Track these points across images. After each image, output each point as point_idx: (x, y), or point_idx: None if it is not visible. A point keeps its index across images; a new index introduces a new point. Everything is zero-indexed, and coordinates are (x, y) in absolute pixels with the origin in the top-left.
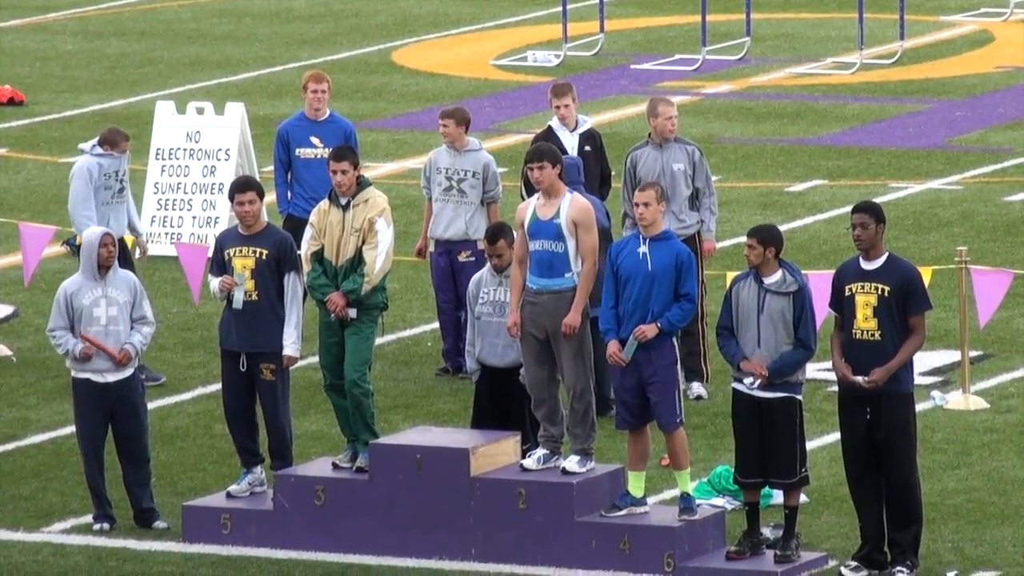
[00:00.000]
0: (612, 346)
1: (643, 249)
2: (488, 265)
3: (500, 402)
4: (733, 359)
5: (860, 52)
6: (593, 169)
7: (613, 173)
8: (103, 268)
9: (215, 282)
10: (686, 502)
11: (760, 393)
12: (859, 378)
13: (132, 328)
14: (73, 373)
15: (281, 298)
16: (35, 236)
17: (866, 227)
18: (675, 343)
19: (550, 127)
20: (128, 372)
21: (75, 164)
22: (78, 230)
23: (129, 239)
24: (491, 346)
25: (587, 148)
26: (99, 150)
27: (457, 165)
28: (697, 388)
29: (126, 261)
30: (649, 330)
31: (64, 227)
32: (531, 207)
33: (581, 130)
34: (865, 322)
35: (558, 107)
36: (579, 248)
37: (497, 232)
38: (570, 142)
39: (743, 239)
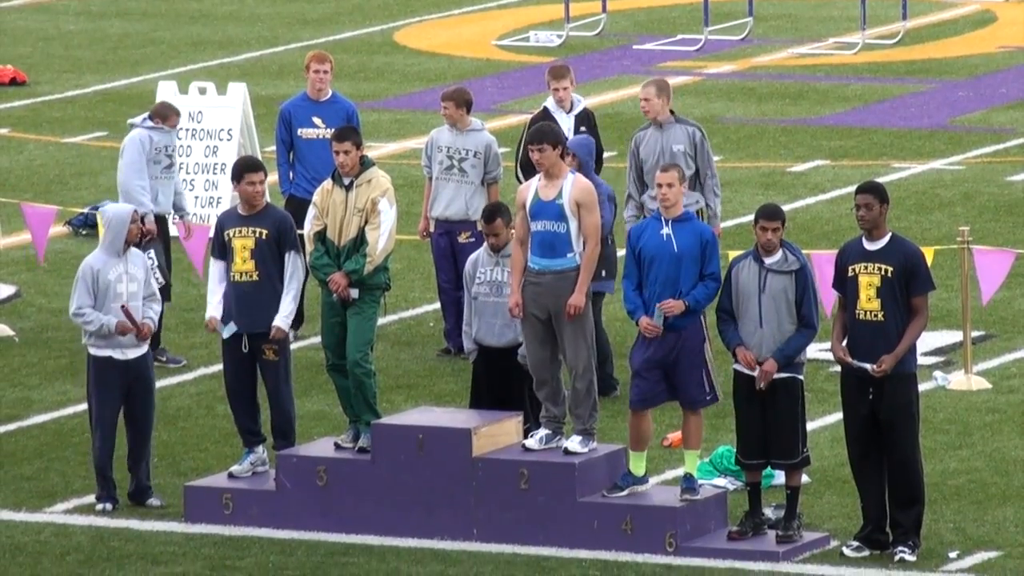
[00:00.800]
0: (644, 320)
1: (666, 231)
2: (485, 244)
3: (498, 382)
4: (730, 344)
5: (862, 32)
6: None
7: (606, 153)
8: (128, 244)
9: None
10: (688, 482)
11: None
12: (867, 366)
13: (143, 304)
14: (93, 351)
15: (282, 278)
16: (39, 216)
17: (870, 208)
18: (703, 322)
19: (546, 108)
20: (144, 348)
21: (126, 137)
22: (132, 200)
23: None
24: (488, 326)
25: (582, 129)
26: (150, 123)
27: (459, 144)
28: None
29: (166, 238)
30: (676, 306)
31: (67, 207)
32: (533, 187)
33: (576, 111)
34: (868, 302)
35: (556, 89)
36: (582, 228)
37: (494, 212)
38: (566, 123)
39: (745, 219)
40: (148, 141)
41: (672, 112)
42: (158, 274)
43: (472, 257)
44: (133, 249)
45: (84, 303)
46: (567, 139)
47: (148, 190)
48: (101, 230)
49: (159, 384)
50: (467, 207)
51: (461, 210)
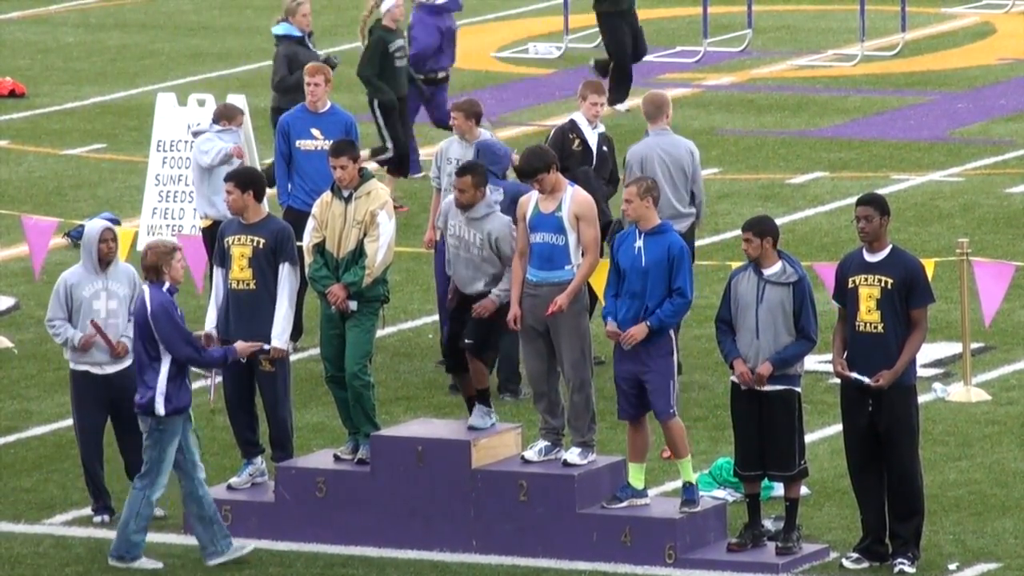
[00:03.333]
0: (611, 325)
1: (638, 243)
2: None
3: (471, 324)
4: (728, 356)
5: (861, 44)
6: (604, 171)
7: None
8: (103, 262)
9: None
10: (689, 492)
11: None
12: (865, 379)
13: (130, 320)
14: (72, 365)
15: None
16: (38, 229)
17: (870, 220)
18: (672, 334)
19: (574, 121)
20: (126, 363)
21: (193, 148)
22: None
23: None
24: (459, 276)
25: (604, 149)
26: (217, 127)
27: (469, 155)
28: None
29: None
30: (638, 332)
31: (66, 219)
32: (533, 200)
33: (600, 129)
34: (868, 314)
35: (595, 104)
36: (581, 241)
37: (466, 168)
38: (592, 138)
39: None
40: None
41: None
42: None
43: (445, 204)
44: (121, 265)
45: (55, 315)
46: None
47: (219, 195)
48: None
49: None
50: None
51: None
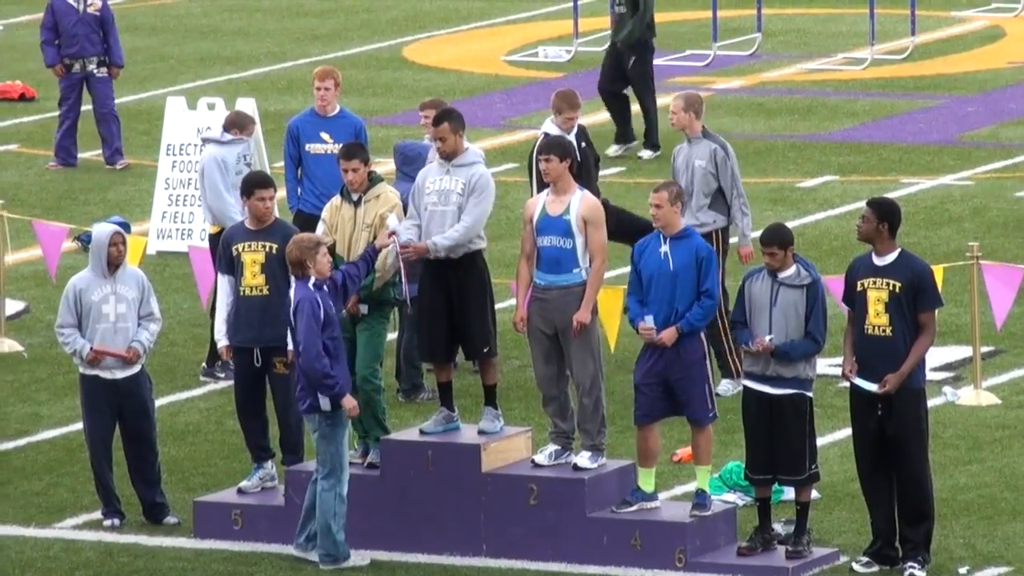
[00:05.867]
0: (648, 321)
1: (664, 248)
2: (435, 155)
3: (453, 291)
4: (743, 339)
5: (871, 48)
6: (589, 162)
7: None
8: (112, 266)
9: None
10: (701, 498)
11: (770, 390)
12: (872, 387)
13: (139, 325)
14: (81, 370)
15: None
16: (50, 233)
17: (867, 221)
18: (703, 337)
19: (547, 133)
20: (136, 368)
21: (203, 157)
22: (226, 224)
23: None
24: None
25: (583, 144)
26: (228, 136)
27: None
28: (724, 386)
29: None
30: (668, 337)
31: (79, 225)
32: (540, 202)
33: (575, 130)
34: (876, 318)
35: (569, 119)
36: (589, 245)
37: (441, 116)
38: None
39: (755, 235)
40: (232, 157)
41: (704, 128)
42: None
43: (423, 171)
44: (129, 268)
45: (66, 322)
46: (578, 157)
47: (237, 207)
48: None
49: (167, 400)
50: None
51: None
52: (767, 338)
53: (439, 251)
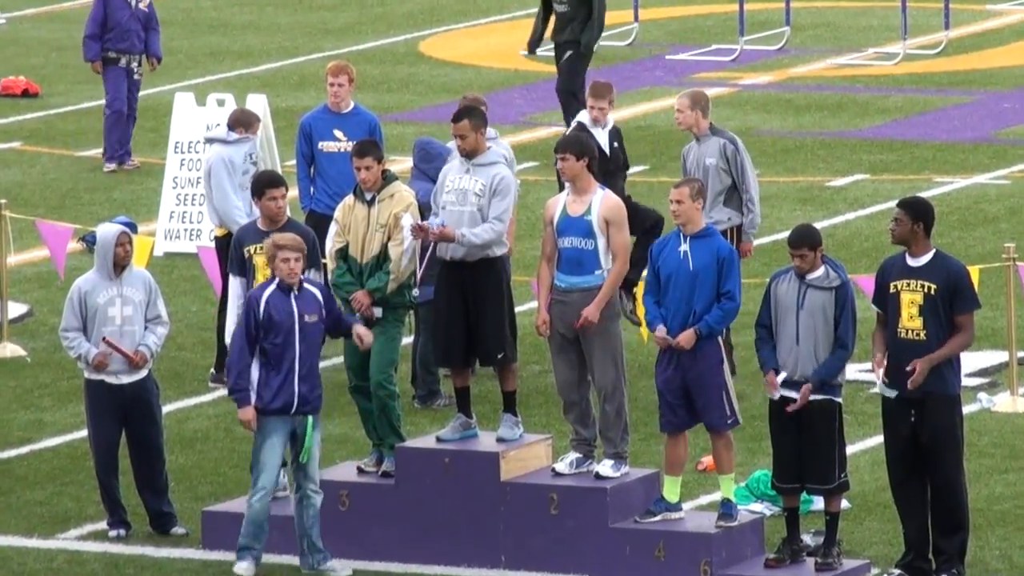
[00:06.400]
0: (661, 330)
1: (684, 248)
2: (457, 155)
3: (471, 295)
4: (764, 365)
5: (903, 42)
6: (619, 164)
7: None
8: (118, 267)
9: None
10: (726, 508)
11: (798, 396)
12: (892, 392)
13: (146, 328)
14: (86, 375)
15: None
16: (55, 233)
17: (900, 222)
18: (720, 341)
19: (580, 123)
20: (143, 373)
21: (209, 157)
22: (232, 228)
23: None
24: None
25: (615, 144)
26: (234, 135)
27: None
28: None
29: None
30: (686, 340)
31: (83, 224)
32: (561, 202)
33: (609, 126)
34: (910, 321)
35: (593, 107)
36: (611, 246)
37: (462, 112)
38: (602, 139)
39: (781, 236)
40: (239, 156)
41: (711, 125)
42: None
43: (445, 168)
44: (135, 270)
45: (71, 325)
46: (597, 154)
47: (243, 209)
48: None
49: (175, 406)
50: None
51: None
52: (780, 377)
53: (464, 244)
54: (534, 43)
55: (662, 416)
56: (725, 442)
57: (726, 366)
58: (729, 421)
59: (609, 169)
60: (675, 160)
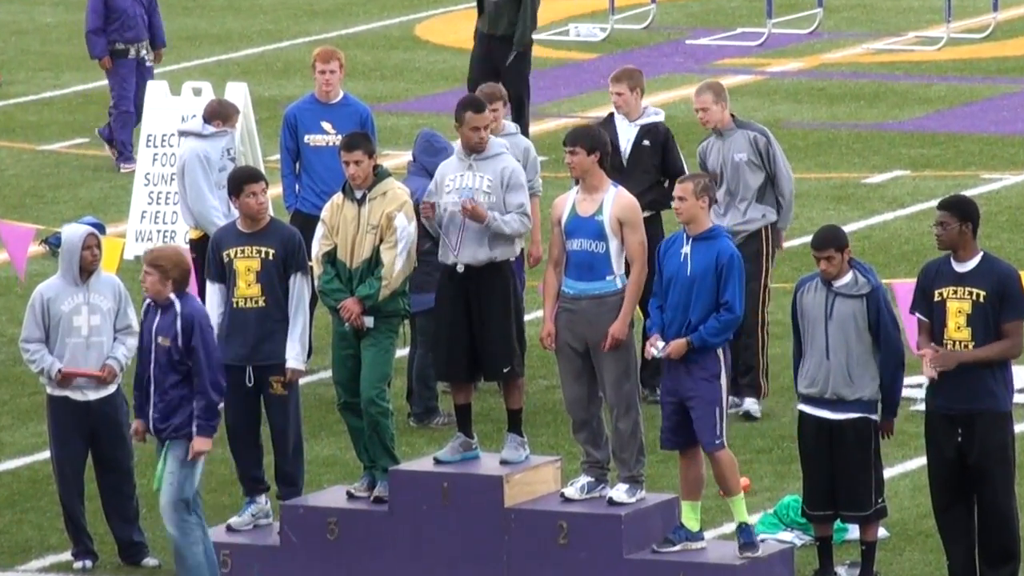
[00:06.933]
0: (652, 338)
1: (685, 249)
2: (457, 149)
3: (475, 301)
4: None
5: (947, 25)
6: (647, 165)
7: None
8: (85, 272)
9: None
10: (745, 535)
11: (830, 415)
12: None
13: (115, 339)
14: (49, 391)
15: None
16: (15, 235)
17: (946, 226)
18: (720, 353)
19: (611, 114)
20: (111, 389)
21: (183, 152)
22: (209, 230)
23: None
24: (463, 246)
25: (645, 142)
26: (210, 128)
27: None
28: (749, 404)
29: None
30: (675, 349)
31: (46, 225)
32: (569, 202)
33: (644, 121)
34: (957, 331)
35: (611, 93)
36: (626, 250)
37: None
38: (627, 133)
39: (803, 240)
40: (216, 152)
41: (733, 116)
42: None
43: (441, 167)
44: (103, 275)
45: (32, 336)
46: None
47: (220, 209)
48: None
49: None
50: None
51: None
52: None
53: (492, 229)
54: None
55: (662, 432)
56: (722, 462)
57: (723, 381)
58: (717, 442)
59: (624, 168)
60: (695, 155)
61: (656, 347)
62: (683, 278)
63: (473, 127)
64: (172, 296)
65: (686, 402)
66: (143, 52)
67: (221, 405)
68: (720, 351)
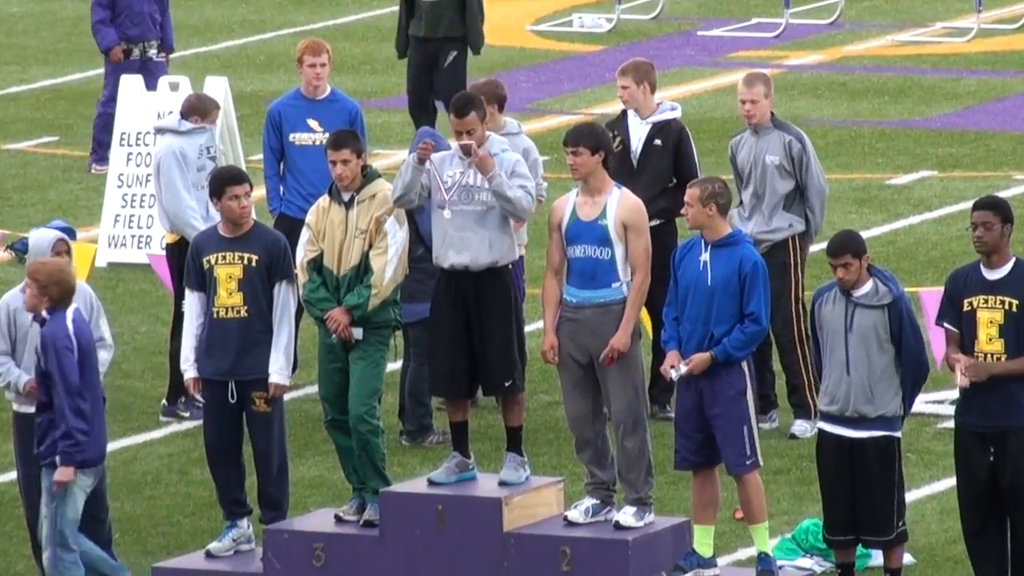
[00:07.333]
0: (670, 358)
1: (704, 257)
2: (455, 147)
3: (472, 311)
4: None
5: (978, 15)
6: (657, 167)
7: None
8: None
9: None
10: (765, 564)
11: (851, 432)
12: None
13: None
14: (15, 407)
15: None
16: None
17: (990, 227)
18: (745, 367)
19: (624, 111)
20: None
21: (158, 150)
22: (185, 229)
23: None
24: (460, 241)
25: (656, 142)
26: (187, 124)
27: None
28: (798, 426)
29: None
30: (697, 365)
31: (12, 230)
32: (569, 205)
33: (656, 118)
34: (989, 343)
35: (617, 87)
36: (629, 255)
37: (467, 104)
38: (639, 132)
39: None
40: (192, 149)
41: (772, 114)
42: None
43: (438, 157)
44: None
45: None
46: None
47: (198, 210)
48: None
49: (120, 444)
50: None
51: None
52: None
53: (494, 188)
54: (404, 45)
55: (676, 452)
56: (751, 486)
57: (750, 397)
58: (748, 462)
59: (635, 170)
60: (707, 154)
61: (676, 370)
62: (703, 288)
63: (459, 131)
64: (45, 313)
65: (710, 420)
66: (151, 51)
67: (84, 436)
68: (744, 364)
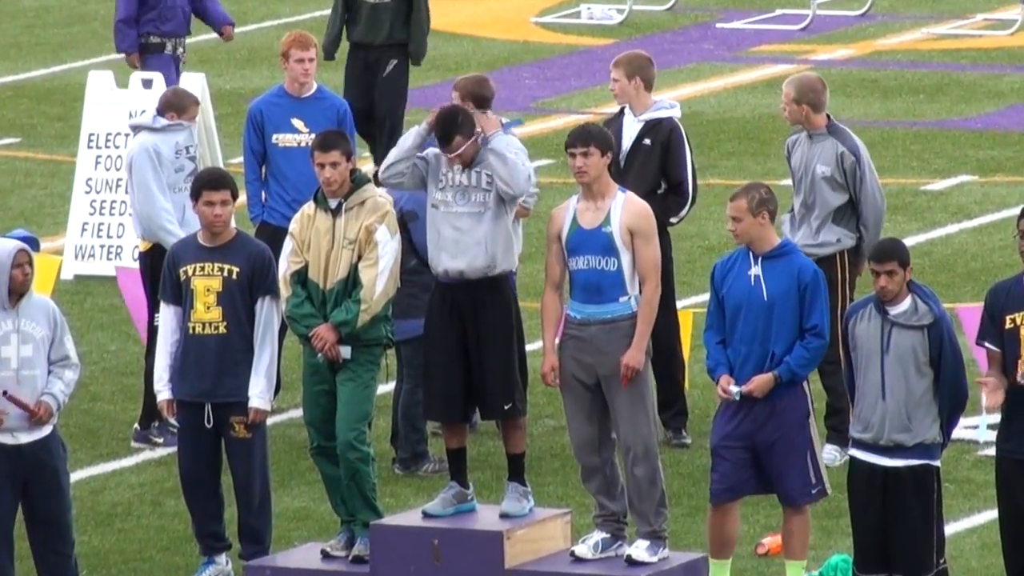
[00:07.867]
0: (724, 380)
1: (755, 271)
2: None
3: (470, 327)
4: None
5: (1022, 6)
6: (644, 168)
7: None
8: (15, 295)
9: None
10: None
11: (885, 461)
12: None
13: (50, 373)
14: None
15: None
16: None
17: None
18: (807, 390)
19: (622, 109)
20: (46, 431)
21: (131, 149)
22: (159, 233)
23: None
24: (459, 253)
25: (646, 141)
26: (163, 121)
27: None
28: (830, 453)
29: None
30: (759, 386)
31: None
32: (570, 212)
33: (649, 116)
34: None
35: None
36: (637, 265)
37: (448, 124)
38: (630, 130)
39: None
40: (167, 147)
41: (829, 118)
42: None
43: (432, 152)
44: (36, 298)
45: None
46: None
47: (174, 214)
48: None
49: (87, 472)
50: None
51: None
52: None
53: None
54: (332, 46)
55: (717, 481)
56: (802, 520)
57: (812, 420)
58: (814, 491)
59: (621, 170)
60: (727, 158)
61: (732, 390)
62: (758, 304)
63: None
64: None
65: (765, 450)
66: (180, 49)
67: None
68: (806, 385)
